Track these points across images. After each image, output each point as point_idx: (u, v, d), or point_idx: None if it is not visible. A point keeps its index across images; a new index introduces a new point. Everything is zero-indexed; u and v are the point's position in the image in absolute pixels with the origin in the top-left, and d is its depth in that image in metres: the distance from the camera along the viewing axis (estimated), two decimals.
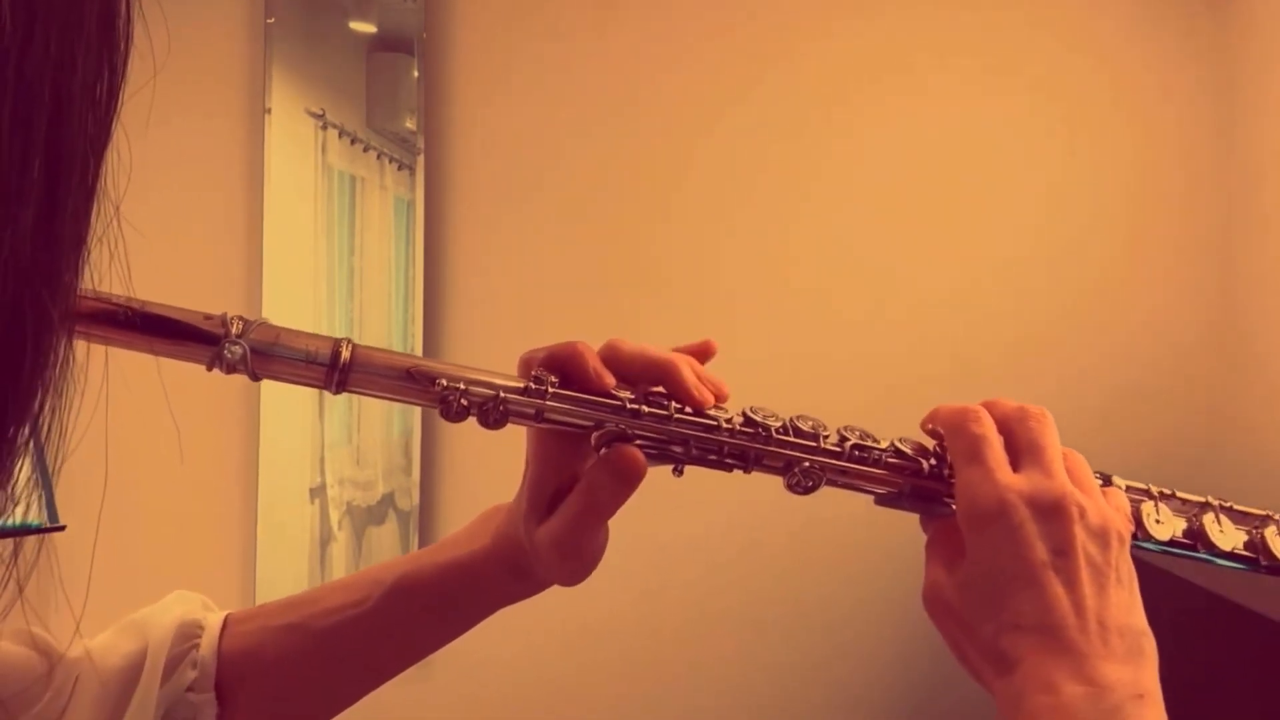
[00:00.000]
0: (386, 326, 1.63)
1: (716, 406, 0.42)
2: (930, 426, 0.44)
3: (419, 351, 1.60)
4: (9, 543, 0.30)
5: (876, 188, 1.59)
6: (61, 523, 1.17)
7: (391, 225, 1.64)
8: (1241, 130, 1.51)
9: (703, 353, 0.46)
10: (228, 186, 1.63)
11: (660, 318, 1.60)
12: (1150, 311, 1.55)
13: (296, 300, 1.60)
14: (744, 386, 0.47)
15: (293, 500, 1.59)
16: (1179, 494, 0.42)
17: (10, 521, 0.29)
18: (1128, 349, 1.54)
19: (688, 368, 0.43)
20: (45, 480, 0.29)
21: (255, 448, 1.58)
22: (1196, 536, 0.43)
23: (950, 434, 0.42)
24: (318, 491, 1.60)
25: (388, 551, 1.62)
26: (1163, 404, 1.54)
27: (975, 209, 1.58)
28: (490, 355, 1.65)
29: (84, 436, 0.30)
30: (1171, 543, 0.42)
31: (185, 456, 1.56)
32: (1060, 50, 1.57)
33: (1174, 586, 0.94)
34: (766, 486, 0.46)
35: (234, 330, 0.39)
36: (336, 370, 0.40)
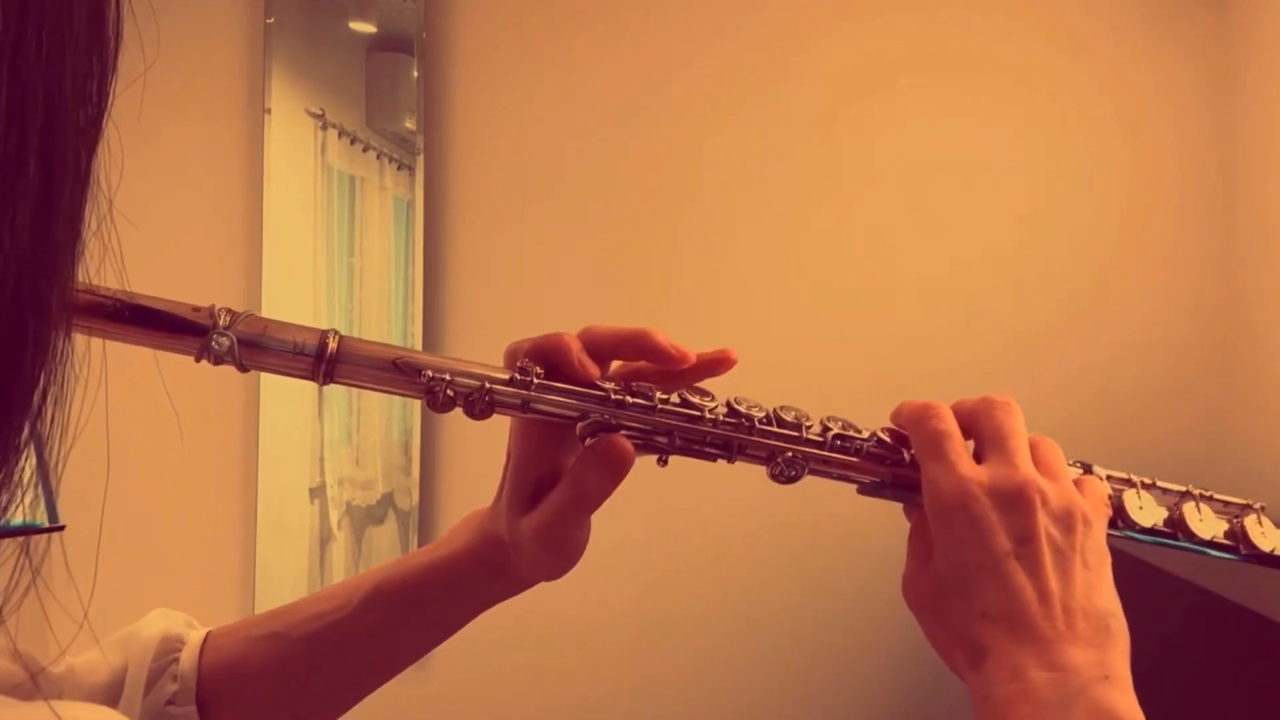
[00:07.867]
0: (386, 326, 1.63)
1: (701, 395, 0.42)
2: (897, 424, 0.44)
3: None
4: (13, 543, 0.30)
5: (873, 191, 1.59)
6: (61, 523, 1.17)
7: (391, 225, 1.64)
8: (1240, 131, 1.51)
9: (719, 362, 0.45)
10: (227, 186, 1.63)
11: (659, 317, 1.60)
12: (1150, 313, 1.54)
13: (296, 300, 1.60)
14: (731, 387, 0.46)
15: (292, 500, 1.59)
16: (1160, 483, 0.42)
17: (10, 521, 0.29)
18: (1126, 350, 1.54)
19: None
20: (45, 480, 0.29)
21: (255, 447, 1.59)
22: (1177, 525, 0.43)
23: (912, 431, 0.43)
24: (317, 491, 1.60)
25: (387, 551, 1.62)
26: (1162, 406, 1.53)
27: (976, 209, 1.58)
28: (489, 355, 1.66)
29: (84, 434, 0.30)
30: (1153, 530, 0.43)
31: (185, 457, 1.56)
32: (1061, 53, 1.56)
33: (1167, 585, 0.94)
34: (762, 481, 0.46)
35: (221, 322, 0.39)
36: (324, 361, 0.40)
